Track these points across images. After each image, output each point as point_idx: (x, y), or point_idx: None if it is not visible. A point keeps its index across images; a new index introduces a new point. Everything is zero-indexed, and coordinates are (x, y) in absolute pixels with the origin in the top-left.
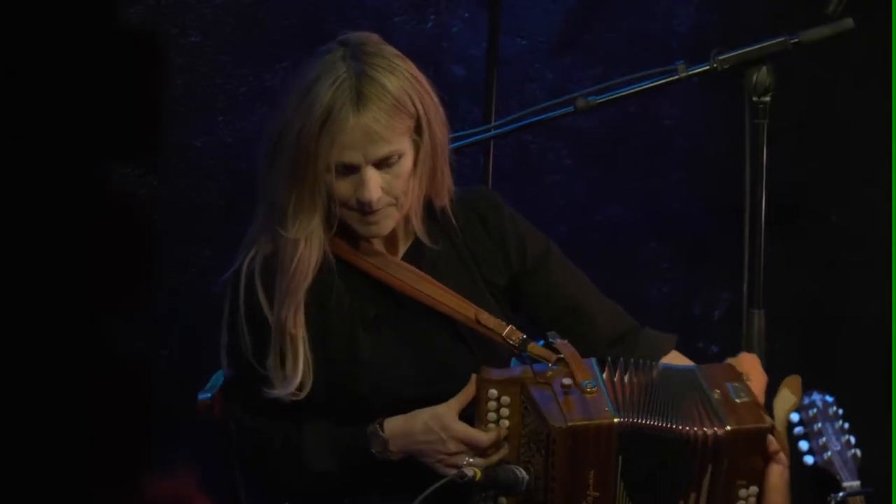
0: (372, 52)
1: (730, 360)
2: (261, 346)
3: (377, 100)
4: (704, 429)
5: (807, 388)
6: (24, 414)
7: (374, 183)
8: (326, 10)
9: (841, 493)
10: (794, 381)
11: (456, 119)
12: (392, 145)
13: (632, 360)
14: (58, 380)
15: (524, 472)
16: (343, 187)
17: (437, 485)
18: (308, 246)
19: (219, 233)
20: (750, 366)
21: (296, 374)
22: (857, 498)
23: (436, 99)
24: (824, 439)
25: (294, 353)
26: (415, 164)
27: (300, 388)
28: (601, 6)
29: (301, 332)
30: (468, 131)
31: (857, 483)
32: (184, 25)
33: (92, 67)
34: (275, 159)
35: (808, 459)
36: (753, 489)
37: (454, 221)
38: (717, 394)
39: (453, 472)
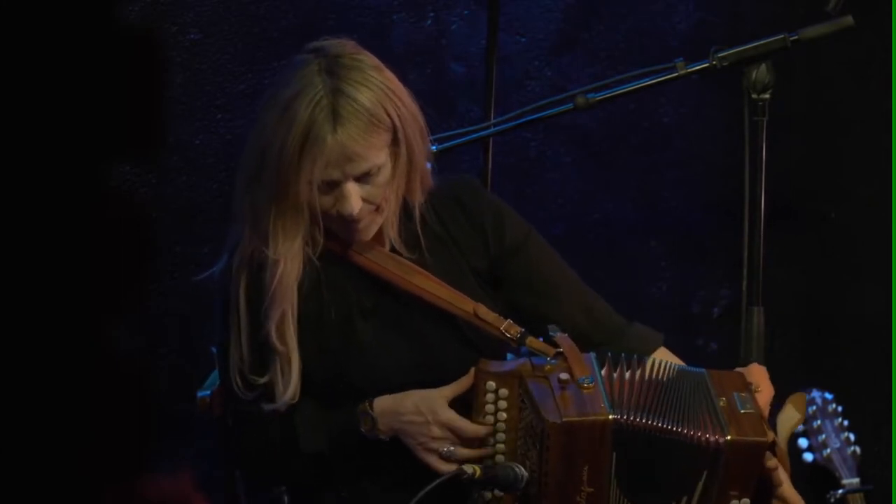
0: (347, 65)
1: (740, 370)
2: (258, 360)
3: (353, 118)
4: (707, 435)
5: (806, 386)
6: (24, 413)
7: (356, 197)
8: (326, 7)
9: (840, 491)
10: (800, 398)
11: (455, 117)
12: (370, 161)
13: (634, 356)
14: (58, 379)
15: (523, 470)
16: (325, 201)
17: (436, 482)
18: (290, 264)
19: (218, 230)
20: (759, 377)
21: (287, 392)
22: (857, 495)
23: (413, 107)
24: (824, 436)
25: (286, 368)
26: (393, 172)
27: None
28: (601, 4)
29: (292, 346)
30: (467, 129)
31: (856, 480)
32: (183, 23)
33: (91, 65)
34: (256, 177)
35: (808, 457)
36: (745, 501)
37: (434, 214)
38: (722, 401)
39: (433, 457)
